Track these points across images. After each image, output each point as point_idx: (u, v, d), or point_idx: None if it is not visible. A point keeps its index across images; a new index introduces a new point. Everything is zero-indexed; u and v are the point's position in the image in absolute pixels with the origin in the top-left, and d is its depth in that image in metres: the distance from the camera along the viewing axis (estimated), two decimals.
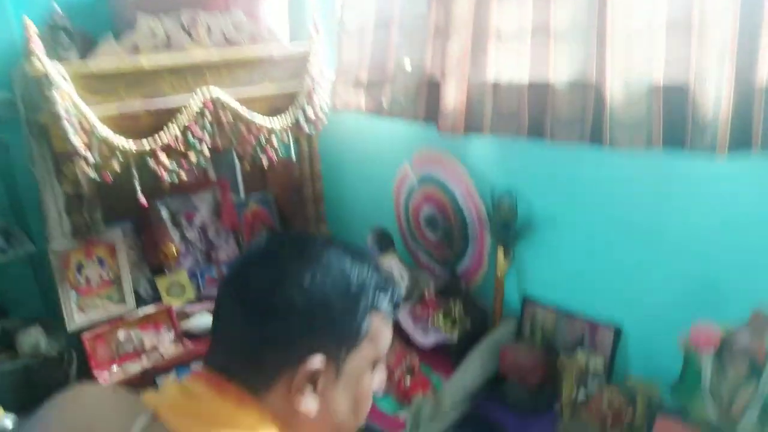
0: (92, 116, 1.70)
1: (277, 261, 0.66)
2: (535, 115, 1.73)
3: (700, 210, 1.50)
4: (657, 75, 1.43)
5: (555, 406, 1.79)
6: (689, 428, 1.43)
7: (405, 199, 2.28)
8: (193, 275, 2.46)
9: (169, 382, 0.67)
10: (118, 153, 1.79)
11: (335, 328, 0.63)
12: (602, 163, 1.69)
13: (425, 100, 1.99)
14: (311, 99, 2.17)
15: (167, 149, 1.89)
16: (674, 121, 1.43)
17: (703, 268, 1.52)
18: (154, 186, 2.39)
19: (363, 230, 2.38)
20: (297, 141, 2.33)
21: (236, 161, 2.67)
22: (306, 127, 2.20)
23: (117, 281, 2.06)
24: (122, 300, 2.08)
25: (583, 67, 1.58)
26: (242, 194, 2.73)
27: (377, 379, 0.74)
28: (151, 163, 1.88)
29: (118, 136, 1.78)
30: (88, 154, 1.73)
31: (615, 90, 1.51)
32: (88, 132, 1.71)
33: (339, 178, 2.66)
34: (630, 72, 1.48)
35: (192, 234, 2.51)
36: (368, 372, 0.69)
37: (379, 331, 0.68)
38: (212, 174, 2.59)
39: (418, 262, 2.35)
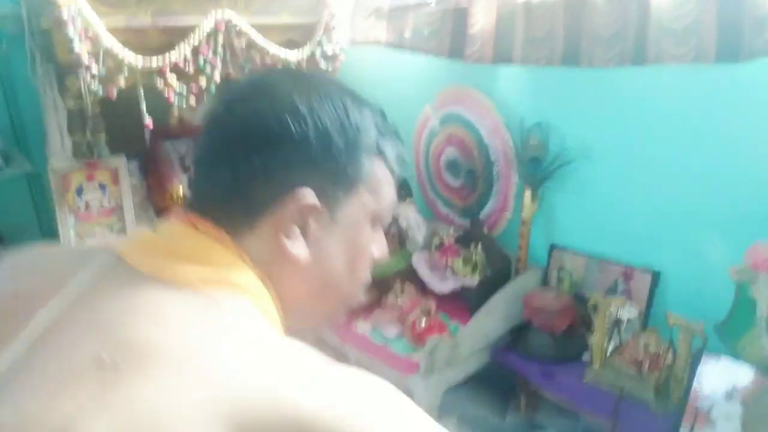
0: (98, 24, 1.61)
1: (270, 88, 0.57)
2: (570, 36, 1.60)
3: (753, 130, 1.36)
4: None
5: (583, 355, 1.64)
6: (741, 369, 1.27)
7: (426, 143, 2.15)
8: None
9: (140, 228, 0.56)
10: (124, 67, 1.69)
11: (332, 162, 0.55)
12: (643, 87, 1.55)
13: (450, 30, 1.87)
14: (329, 33, 2.06)
15: (176, 70, 1.79)
16: (728, 23, 1.30)
17: (756, 197, 1.37)
18: (163, 124, 2.32)
19: None
20: None
21: None
22: (323, 63, 2.09)
23: (119, 210, 1.96)
24: (123, 231, 1.97)
25: None
26: None
27: (377, 245, 0.64)
28: (159, 83, 1.77)
29: (124, 49, 1.68)
30: (93, 66, 1.63)
31: None
32: (93, 41, 1.61)
33: None
34: None
35: None
36: (367, 227, 0.60)
37: (380, 182, 0.60)
38: None
39: (436, 213, 2.22)
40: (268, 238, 0.54)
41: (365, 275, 0.65)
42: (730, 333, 1.34)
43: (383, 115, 0.65)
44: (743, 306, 1.30)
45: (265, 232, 0.54)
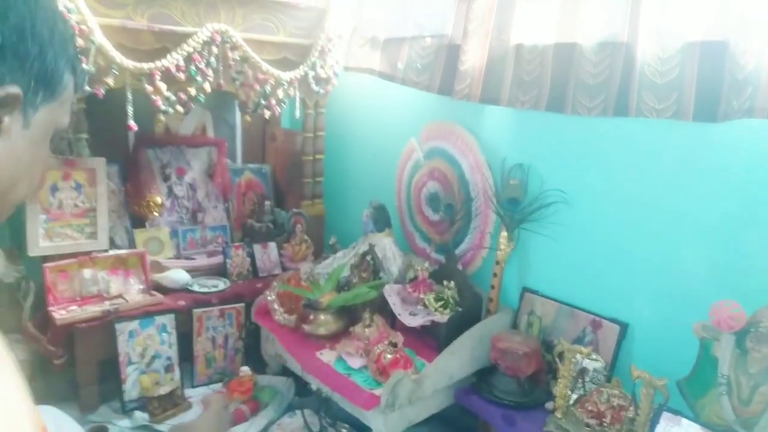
0: (92, 20, 1.61)
1: None
2: (557, 82, 1.63)
3: (725, 188, 1.37)
4: (694, 30, 1.34)
5: (547, 404, 1.60)
6: (699, 427, 1.25)
7: (409, 175, 2.15)
8: (174, 234, 2.32)
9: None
10: (114, 67, 1.69)
11: (40, 63, 0.58)
12: (623, 138, 1.57)
13: (443, 66, 1.90)
14: (324, 56, 2.08)
15: (166, 76, 1.79)
16: (708, 83, 1.32)
17: (725, 253, 1.37)
18: (148, 131, 2.31)
19: (361, 209, 2.24)
20: (304, 104, 2.23)
21: (238, 125, 2.57)
22: (315, 86, 2.11)
23: (92, 213, 1.92)
24: (94, 235, 1.93)
25: (614, 26, 1.48)
26: (239, 161, 2.61)
27: (48, 158, 0.69)
28: (148, 88, 1.77)
29: (116, 50, 1.68)
30: (83, 62, 1.62)
31: (647, 48, 1.42)
32: (86, 37, 1.61)
33: (341, 151, 2.55)
34: (665, 28, 1.39)
35: (181, 190, 2.38)
36: (49, 137, 0.65)
37: (69, 97, 0.65)
38: (210, 130, 2.51)
39: (414, 247, 2.20)
40: None
41: (37, 184, 0.71)
42: (692, 390, 1.32)
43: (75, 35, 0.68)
44: (706, 364, 1.29)
45: None
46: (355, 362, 1.75)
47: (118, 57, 1.68)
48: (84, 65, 0.68)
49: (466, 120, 1.92)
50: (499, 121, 1.85)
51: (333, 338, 1.88)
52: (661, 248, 1.50)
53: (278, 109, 2.05)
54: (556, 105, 1.64)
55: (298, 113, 2.15)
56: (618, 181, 1.58)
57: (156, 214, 2.26)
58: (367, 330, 1.82)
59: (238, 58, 1.90)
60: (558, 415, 1.52)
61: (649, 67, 1.43)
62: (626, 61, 1.47)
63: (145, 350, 1.90)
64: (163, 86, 1.79)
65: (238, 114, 2.56)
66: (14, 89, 0.55)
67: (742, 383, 1.21)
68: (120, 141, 2.25)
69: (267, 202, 2.45)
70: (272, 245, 2.32)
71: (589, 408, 1.46)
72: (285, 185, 2.60)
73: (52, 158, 0.69)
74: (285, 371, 2.06)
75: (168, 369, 1.93)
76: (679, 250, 1.46)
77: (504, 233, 1.80)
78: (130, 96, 1.77)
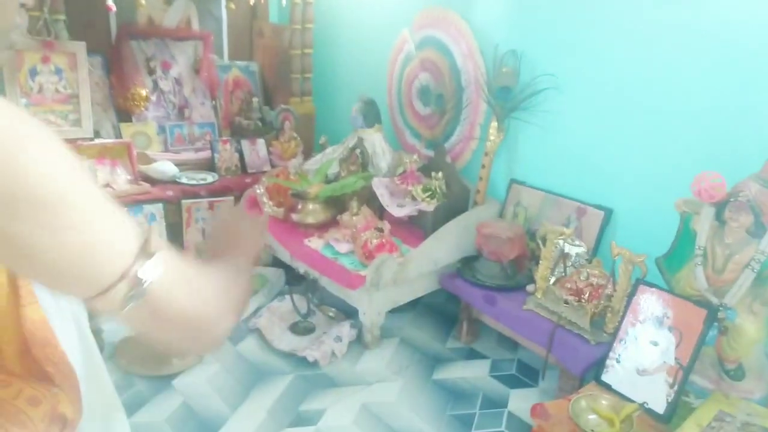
0: None
1: None
2: None
3: (712, 63, 1.34)
4: None
5: (528, 286, 1.65)
6: (673, 298, 1.29)
7: (400, 68, 2.10)
8: (161, 129, 2.28)
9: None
10: None
11: None
12: (615, 18, 1.51)
13: None
14: None
15: None
16: None
17: (709, 129, 1.36)
18: (131, 22, 2.23)
19: (351, 105, 2.19)
20: None
21: (224, 19, 2.47)
22: None
23: (75, 99, 1.88)
24: (78, 122, 1.90)
25: None
26: (226, 58, 2.53)
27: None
28: None
29: None
30: None
31: None
32: None
33: (331, 46, 2.47)
34: None
35: (166, 85, 2.32)
36: None
37: None
38: (195, 23, 2.41)
39: (404, 144, 2.18)
40: None
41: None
42: (670, 266, 1.35)
43: None
44: (685, 239, 1.31)
45: None
46: (343, 247, 1.78)
47: None
48: None
49: (459, 5, 1.85)
50: (493, 5, 1.78)
51: (321, 227, 1.91)
52: (646, 130, 1.49)
53: None
54: None
55: (284, 2, 2.06)
56: (607, 63, 1.55)
57: (141, 107, 2.21)
58: (354, 218, 1.84)
59: None
60: (538, 295, 1.56)
61: None
62: None
63: None
64: None
65: (224, 7, 2.45)
66: None
67: (717, 253, 1.23)
68: (102, 30, 2.16)
69: (255, 100, 2.40)
70: (261, 142, 2.29)
71: (568, 286, 1.51)
72: (273, 83, 2.53)
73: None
74: (276, 263, 2.10)
75: None
76: (664, 131, 1.46)
77: (494, 123, 1.78)
78: None
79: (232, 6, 2.01)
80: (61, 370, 0.64)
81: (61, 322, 0.80)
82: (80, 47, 1.87)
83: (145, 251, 0.51)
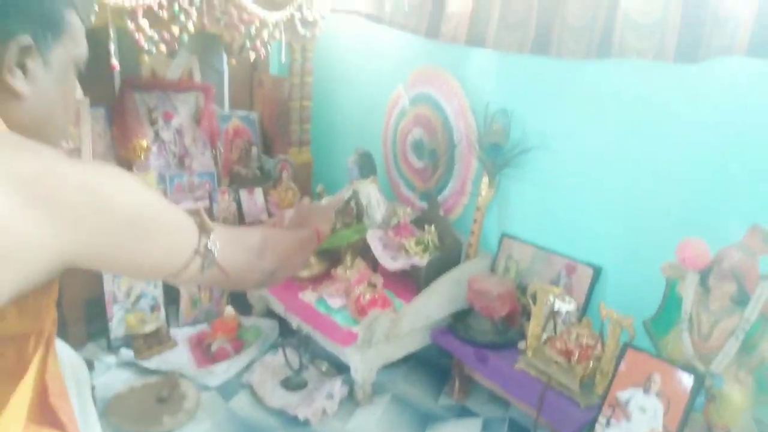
0: None
1: None
2: (542, 24, 1.61)
3: (696, 131, 1.38)
4: None
5: (519, 344, 1.65)
6: (660, 363, 1.29)
7: (395, 121, 2.15)
8: (161, 179, 2.32)
9: None
10: (95, 4, 1.66)
11: (39, 10, 0.67)
12: (603, 83, 1.56)
13: (430, 8, 1.87)
14: None
15: (149, 14, 1.76)
16: (691, 22, 1.31)
17: (695, 195, 1.39)
18: (135, 74, 2.30)
19: (347, 155, 2.24)
20: (291, 48, 2.21)
21: (226, 71, 2.54)
22: (301, 28, 2.07)
23: (77, 153, 1.93)
24: None
25: None
26: (227, 108, 2.60)
27: (76, 86, 0.80)
28: (130, 25, 1.74)
29: None
30: None
31: None
32: None
33: (329, 98, 2.53)
34: None
35: (168, 135, 2.37)
36: (72, 69, 0.74)
37: (77, 31, 0.74)
38: (197, 75, 2.48)
39: (398, 195, 2.22)
40: None
41: (72, 109, 0.80)
42: (657, 329, 1.36)
43: None
44: (671, 303, 1.32)
45: None
46: (336, 302, 1.79)
47: None
48: None
49: (453, 64, 1.90)
50: (485, 65, 1.84)
51: (315, 280, 1.92)
52: (635, 192, 1.52)
53: (263, 51, 2.02)
54: (541, 47, 1.63)
55: (284, 57, 2.13)
56: (597, 125, 1.58)
57: (142, 157, 2.26)
58: (348, 272, 1.86)
59: None
60: (529, 353, 1.56)
61: (633, 6, 1.42)
62: (611, 1, 1.46)
63: (130, 290, 1.93)
64: (145, 24, 1.76)
65: (225, 60, 2.53)
66: (25, 38, 0.64)
67: (703, 320, 1.24)
68: (106, 84, 2.23)
69: (254, 149, 2.45)
70: (258, 191, 2.33)
71: (559, 346, 1.51)
72: (272, 132, 2.59)
73: (76, 83, 0.80)
74: (270, 314, 2.10)
75: (153, 308, 1.98)
76: (652, 194, 1.48)
77: (485, 179, 1.81)
78: (112, 34, 1.75)
79: (233, 62, 2.07)
80: (72, 420, 0.73)
81: (65, 379, 0.85)
82: (84, 103, 1.93)
83: (204, 229, 0.73)
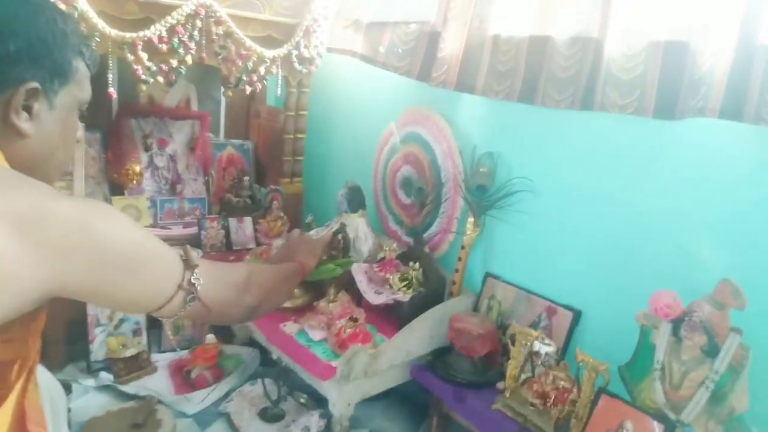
0: None
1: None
2: (530, 74, 1.67)
3: (675, 183, 1.43)
4: (659, 30, 1.38)
5: (498, 384, 1.66)
6: (633, 410, 1.30)
7: (386, 159, 2.20)
8: (153, 204, 2.35)
9: None
10: (96, 34, 1.71)
11: (49, 59, 0.71)
12: (588, 133, 1.62)
13: (423, 52, 1.93)
14: (309, 36, 2.11)
15: (148, 47, 1.81)
16: (668, 80, 1.37)
17: (671, 247, 1.43)
18: (132, 100, 2.34)
19: (338, 188, 2.28)
20: (287, 82, 2.27)
21: (222, 100, 2.60)
22: (298, 65, 2.14)
23: (69, 177, 1.95)
24: None
25: (586, 21, 1.52)
26: (222, 136, 2.64)
27: (78, 127, 0.84)
28: (130, 56, 1.80)
29: (99, 17, 1.71)
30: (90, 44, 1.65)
31: (615, 45, 1.46)
32: (69, 3, 1.64)
33: (322, 133, 2.58)
34: (632, 27, 1.43)
35: (161, 161, 2.41)
36: (75, 111, 0.78)
37: (83, 77, 0.78)
38: (195, 104, 2.54)
39: (386, 229, 2.25)
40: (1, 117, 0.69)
41: (73, 148, 0.85)
42: (631, 376, 1.38)
43: (78, 22, 0.80)
44: (645, 351, 1.34)
45: None
46: (316, 335, 1.80)
47: (101, 24, 1.70)
48: (92, 47, 0.81)
49: (443, 107, 1.96)
50: (473, 109, 1.90)
51: (298, 311, 1.93)
52: (614, 239, 1.56)
53: (259, 85, 2.08)
54: (528, 96, 1.69)
55: (279, 90, 2.19)
56: (579, 173, 1.63)
57: (134, 182, 2.29)
58: (331, 305, 1.87)
59: (222, 33, 1.93)
60: (507, 394, 1.57)
61: (615, 63, 1.48)
62: (595, 56, 1.52)
63: (113, 313, 1.94)
64: (144, 56, 1.81)
65: (222, 90, 2.58)
66: (34, 84, 0.69)
67: (674, 369, 1.26)
68: (103, 109, 2.27)
69: (246, 178, 2.49)
70: (248, 220, 2.36)
71: (536, 388, 1.52)
72: (266, 162, 2.63)
73: (79, 124, 0.86)
74: (252, 343, 2.11)
75: (136, 333, 1.98)
76: (630, 242, 1.52)
77: (471, 219, 1.85)
78: (111, 64, 1.80)
79: (230, 94, 2.12)
80: None
81: (42, 403, 0.86)
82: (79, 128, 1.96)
83: (189, 265, 0.75)
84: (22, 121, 0.69)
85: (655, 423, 1.25)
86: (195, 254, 0.78)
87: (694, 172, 1.38)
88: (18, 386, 0.68)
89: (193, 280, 0.75)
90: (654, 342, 1.31)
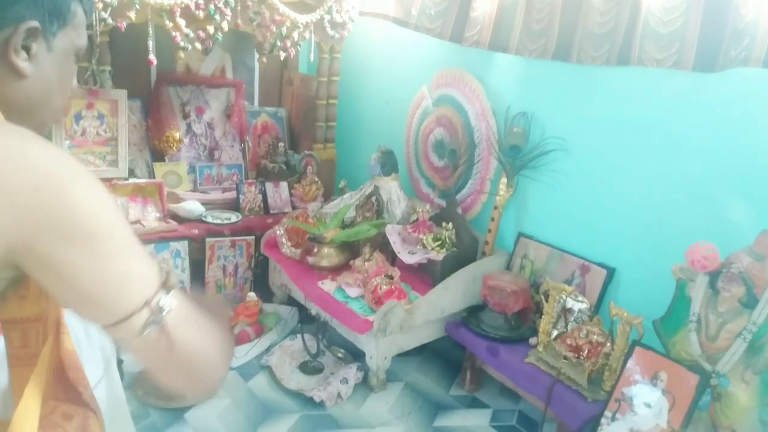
0: None
1: None
2: (565, 31, 1.65)
3: (712, 137, 1.41)
4: None
5: (531, 339, 1.69)
6: (667, 362, 1.33)
7: (418, 122, 2.21)
8: (192, 169, 2.42)
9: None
10: (136, 2, 1.76)
11: (50, 2, 0.70)
12: (624, 89, 1.60)
13: (455, 13, 1.92)
14: (340, 1, 2.12)
15: (186, 13, 1.85)
16: (710, 32, 1.34)
17: (707, 200, 1.43)
18: (170, 70, 2.40)
19: (370, 153, 2.30)
20: (319, 48, 2.29)
21: (257, 68, 2.64)
22: (330, 30, 2.15)
23: (113, 142, 2.03)
24: (115, 163, 2.05)
25: None
26: (256, 104, 2.69)
27: (74, 73, 0.82)
28: (168, 23, 1.84)
29: None
30: None
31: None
32: None
33: (354, 98, 2.60)
34: None
35: (199, 128, 2.47)
36: (72, 57, 0.77)
37: (80, 21, 0.76)
38: (230, 72, 2.58)
39: (418, 192, 2.28)
40: None
41: (68, 94, 0.82)
42: (666, 329, 1.39)
43: None
44: (681, 304, 1.36)
45: None
46: (353, 291, 1.86)
47: None
48: None
49: (476, 68, 1.96)
50: (507, 69, 1.89)
51: (335, 270, 1.99)
52: (648, 197, 1.56)
53: (293, 51, 2.11)
54: (562, 54, 1.67)
55: (312, 56, 2.21)
56: (614, 130, 1.63)
57: (175, 149, 2.36)
58: (366, 264, 1.92)
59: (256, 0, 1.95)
60: (539, 348, 1.61)
61: (653, 16, 1.45)
62: (632, 10, 1.50)
63: None
64: (182, 23, 1.85)
65: (257, 57, 2.62)
66: (33, 23, 0.68)
67: (711, 321, 1.27)
68: (142, 77, 2.34)
69: (281, 144, 2.54)
70: (284, 184, 2.41)
71: (569, 342, 1.55)
72: (299, 129, 2.67)
73: (78, 81, 0.85)
74: (290, 302, 2.18)
75: None
76: (665, 199, 1.52)
77: (504, 179, 1.86)
78: (151, 31, 1.85)
79: (264, 60, 2.16)
80: (90, 392, 0.72)
81: (90, 353, 0.90)
82: (122, 95, 2.03)
83: (166, 285, 0.63)
84: (21, 60, 0.68)
85: (691, 374, 1.27)
86: (176, 280, 0.66)
87: (733, 125, 1.36)
88: (50, 341, 0.68)
89: (162, 303, 0.62)
90: (690, 295, 1.32)
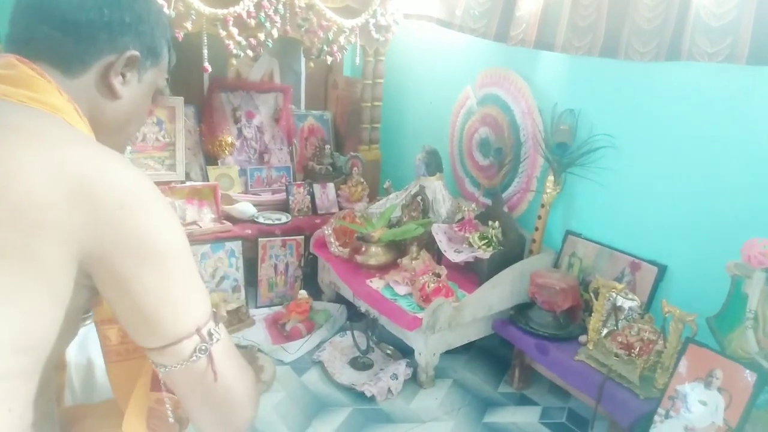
0: None
1: None
2: (612, 27, 1.65)
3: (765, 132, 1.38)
4: None
5: (581, 337, 1.69)
6: (723, 359, 1.31)
7: (462, 122, 2.23)
8: (243, 172, 2.52)
9: None
10: (192, 12, 1.85)
11: (150, 38, 0.79)
12: (673, 85, 1.58)
13: (499, 13, 1.94)
14: (385, 4, 2.16)
15: (238, 22, 1.93)
16: (765, 23, 1.32)
17: (761, 196, 1.40)
18: (222, 76, 2.50)
19: (415, 153, 2.34)
20: (364, 51, 2.34)
21: (303, 73, 2.71)
22: (375, 33, 2.20)
23: (171, 147, 2.14)
24: (173, 167, 2.15)
25: None
26: (303, 107, 2.77)
27: (148, 109, 0.90)
28: (222, 32, 1.93)
29: None
30: (165, 7, 1.79)
31: None
32: None
33: (399, 99, 2.65)
34: None
35: (249, 132, 2.57)
36: (151, 94, 0.84)
37: (165, 66, 0.85)
38: (277, 77, 2.67)
39: (463, 191, 2.30)
40: (96, 78, 0.75)
41: (141, 125, 0.93)
42: (721, 326, 1.37)
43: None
44: (736, 301, 1.34)
45: (95, 73, 0.75)
46: (401, 289, 1.90)
47: (196, 3, 1.83)
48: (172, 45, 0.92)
49: (520, 66, 1.97)
50: (552, 66, 1.89)
51: (382, 269, 2.04)
52: (700, 193, 1.53)
53: (339, 55, 2.17)
54: (610, 50, 1.67)
55: (358, 60, 2.26)
56: (663, 126, 1.61)
57: (227, 153, 2.46)
58: (413, 262, 1.96)
59: (304, 6, 2.02)
60: (590, 346, 1.61)
61: (704, 9, 1.43)
62: (682, 4, 1.48)
63: (215, 271, 2.12)
64: (235, 31, 1.94)
65: (303, 62, 2.70)
66: (135, 53, 0.77)
67: None
68: (196, 84, 2.45)
69: (327, 146, 2.60)
70: (331, 186, 2.48)
71: (620, 340, 1.54)
72: (344, 131, 2.74)
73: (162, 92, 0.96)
74: (339, 300, 2.24)
75: (235, 289, 2.16)
76: (717, 195, 1.49)
77: (551, 177, 1.86)
78: (205, 40, 1.94)
79: (311, 65, 2.23)
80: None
81: None
82: (179, 102, 2.14)
83: (216, 315, 0.67)
84: (118, 83, 0.76)
85: (748, 371, 1.25)
86: (223, 313, 0.74)
87: None
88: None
89: (213, 331, 0.66)
90: (746, 291, 1.30)
